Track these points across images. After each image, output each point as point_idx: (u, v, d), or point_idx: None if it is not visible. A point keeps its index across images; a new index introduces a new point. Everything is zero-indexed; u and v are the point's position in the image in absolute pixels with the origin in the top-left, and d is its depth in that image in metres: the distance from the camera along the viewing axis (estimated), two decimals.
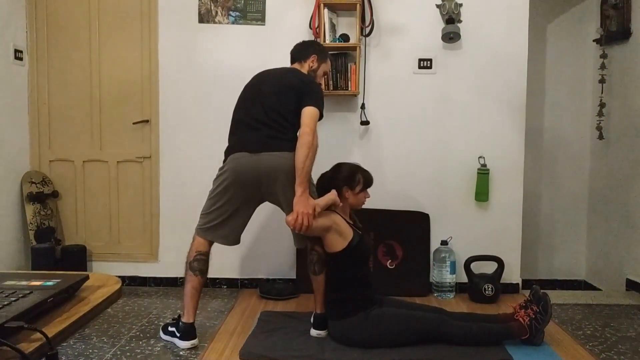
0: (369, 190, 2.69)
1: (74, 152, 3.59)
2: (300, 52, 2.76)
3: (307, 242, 2.62)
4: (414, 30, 3.40)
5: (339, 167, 2.68)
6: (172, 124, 3.50)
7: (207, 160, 3.26)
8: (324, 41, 3.20)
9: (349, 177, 2.61)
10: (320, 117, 2.52)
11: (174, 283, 3.54)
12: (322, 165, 2.70)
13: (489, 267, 3.33)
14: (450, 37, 3.30)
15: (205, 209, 2.59)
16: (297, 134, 2.52)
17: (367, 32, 3.37)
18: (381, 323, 2.50)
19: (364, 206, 2.73)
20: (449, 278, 3.31)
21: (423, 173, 3.45)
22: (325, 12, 3.24)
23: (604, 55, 3.71)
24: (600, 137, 3.74)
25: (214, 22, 3.45)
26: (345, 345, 2.50)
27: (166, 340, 2.63)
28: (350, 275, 2.58)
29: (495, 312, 2.81)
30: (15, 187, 3.47)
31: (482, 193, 3.39)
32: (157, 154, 3.53)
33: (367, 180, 2.66)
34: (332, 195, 2.54)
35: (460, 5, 3.30)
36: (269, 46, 3.40)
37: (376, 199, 3.02)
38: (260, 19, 3.43)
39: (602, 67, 3.71)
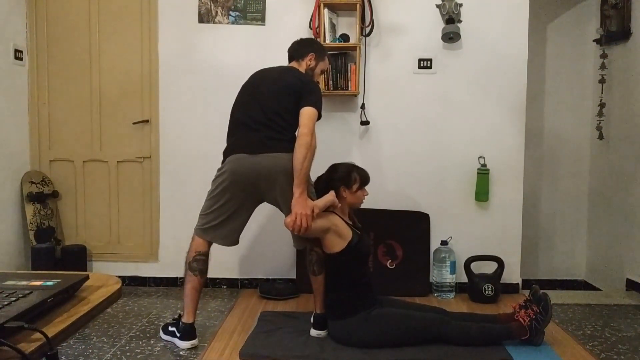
0: (367, 188, 2.69)
1: (74, 152, 3.59)
2: (297, 50, 2.76)
3: (307, 242, 2.62)
4: (414, 30, 3.40)
5: (334, 167, 2.68)
6: (172, 124, 3.50)
7: (207, 160, 3.26)
8: (324, 41, 3.20)
9: (345, 177, 2.61)
10: (319, 117, 2.52)
11: (174, 283, 3.54)
12: (321, 166, 2.70)
13: (489, 267, 3.33)
14: (450, 37, 3.30)
15: (204, 209, 2.59)
16: (296, 134, 2.52)
17: (367, 32, 3.37)
18: (381, 323, 2.50)
19: (363, 206, 2.73)
20: (449, 278, 3.31)
21: (423, 173, 3.45)
22: (325, 12, 3.24)
23: (604, 55, 3.71)
24: (600, 137, 3.74)
25: (214, 22, 3.45)
26: (345, 345, 2.50)
27: (166, 340, 2.63)
28: (349, 275, 2.58)
29: (495, 312, 2.81)
30: (15, 187, 3.47)
31: (482, 193, 3.39)
32: (157, 154, 3.53)
33: (364, 177, 2.66)
34: (330, 196, 2.54)
35: (460, 5, 3.30)
36: (269, 46, 3.40)
37: (376, 199, 3.02)
38: (260, 19, 3.44)
39: (602, 67, 3.71)
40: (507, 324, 2.56)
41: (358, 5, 3.25)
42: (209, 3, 3.43)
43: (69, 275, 1.45)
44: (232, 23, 3.44)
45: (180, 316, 2.63)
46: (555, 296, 3.27)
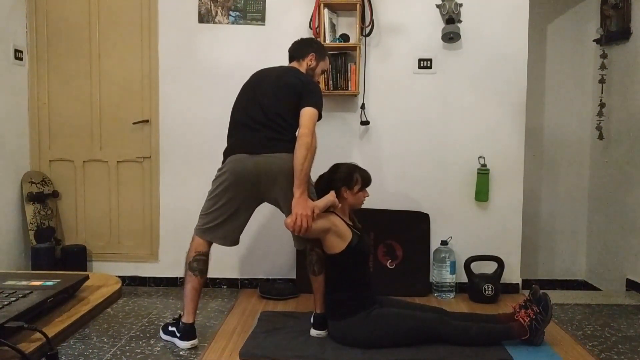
0: (368, 189, 2.69)
1: (74, 152, 3.59)
2: (298, 50, 2.75)
3: (307, 243, 2.62)
4: (414, 30, 3.40)
5: (336, 167, 2.67)
6: (172, 124, 3.50)
7: (207, 160, 3.26)
8: (324, 41, 3.20)
9: (346, 177, 2.61)
10: (319, 117, 2.51)
11: (174, 283, 3.54)
12: (321, 166, 2.70)
13: (489, 267, 3.33)
14: (450, 37, 3.30)
15: (205, 209, 2.59)
16: (296, 134, 2.52)
17: (367, 32, 3.37)
18: (381, 323, 2.50)
19: (363, 206, 2.73)
20: (449, 278, 3.31)
21: (423, 173, 3.45)
22: (325, 12, 3.24)
23: (604, 55, 3.71)
24: (600, 137, 3.74)
25: (214, 22, 3.45)
26: (345, 345, 2.50)
27: (166, 340, 2.63)
28: (350, 275, 2.58)
29: (495, 312, 2.81)
30: (15, 187, 3.47)
31: (482, 193, 3.39)
32: (157, 154, 3.53)
33: (365, 179, 2.66)
34: (330, 196, 2.54)
35: (460, 5, 3.30)
36: (269, 46, 3.40)
37: (376, 199, 3.02)
38: (260, 19, 3.44)
39: (602, 67, 3.71)
40: (507, 324, 2.56)
41: (358, 5, 3.25)
42: (209, 3, 3.43)
43: (69, 275, 1.45)
44: (232, 23, 3.44)
45: (180, 316, 2.62)
46: (555, 296, 3.27)
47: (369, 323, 2.49)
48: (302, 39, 2.84)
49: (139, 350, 2.51)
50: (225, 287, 3.54)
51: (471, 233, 3.45)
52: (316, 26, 3.29)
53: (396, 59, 3.42)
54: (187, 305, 2.57)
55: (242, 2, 3.42)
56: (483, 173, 3.38)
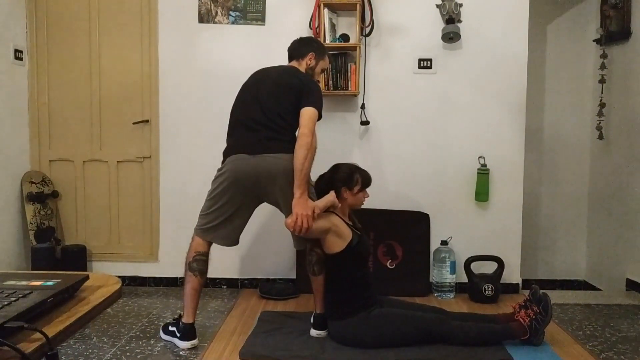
0: (368, 189, 2.69)
1: (74, 152, 3.59)
2: (297, 49, 2.75)
3: (307, 243, 2.62)
4: (414, 30, 3.40)
5: (336, 167, 2.67)
6: (172, 124, 3.50)
7: (207, 160, 3.26)
8: (324, 41, 3.20)
9: (347, 178, 2.61)
10: (319, 117, 2.51)
11: (174, 283, 3.54)
12: (321, 166, 2.70)
13: (489, 267, 3.33)
14: (450, 37, 3.30)
15: (204, 209, 2.58)
16: (296, 134, 2.52)
17: (367, 32, 3.37)
18: (381, 323, 2.50)
19: (364, 206, 2.73)
20: (449, 278, 3.31)
21: (423, 173, 3.45)
22: (325, 12, 3.24)
23: (604, 55, 3.71)
24: (600, 137, 3.74)
25: (214, 22, 3.45)
26: (345, 345, 2.50)
27: (166, 340, 2.63)
28: (350, 276, 2.57)
29: (495, 312, 2.81)
30: (15, 187, 3.47)
31: (482, 193, 3.39)
32: (157, 154, 3.53)
33: (366, 179, 2.66)
34: (330, 196, 2.54)
35: (460, 5, 3.30)
36: (269, 46, 3.40)
37: (376, 199, 3.02)
38: (260, 19, 3.44)
39: (602, 67, 3.71)
40: (507, 324, 2.56)
41: (358, 5, 3.25)
42: (209, 3, 3.43)
43: (69, 275, 1.45)
44: (232, 23, 3.44)
45: (180, 316, 2.62)
46: (555, 296, 3.27)
47: (369, 323, 2.49)
48: (301, 38, 2.83)
49: (139, 350, 2.51)
50: (225, 287, 3.54)
51: (471, 233, 3.45)
52: (316, 26, 3.29)
53: (396, 59, 3.42)
54: (187, 305, 2.57)
55: (242, 2, 3.43)
56: (483, 173, 3.38)
